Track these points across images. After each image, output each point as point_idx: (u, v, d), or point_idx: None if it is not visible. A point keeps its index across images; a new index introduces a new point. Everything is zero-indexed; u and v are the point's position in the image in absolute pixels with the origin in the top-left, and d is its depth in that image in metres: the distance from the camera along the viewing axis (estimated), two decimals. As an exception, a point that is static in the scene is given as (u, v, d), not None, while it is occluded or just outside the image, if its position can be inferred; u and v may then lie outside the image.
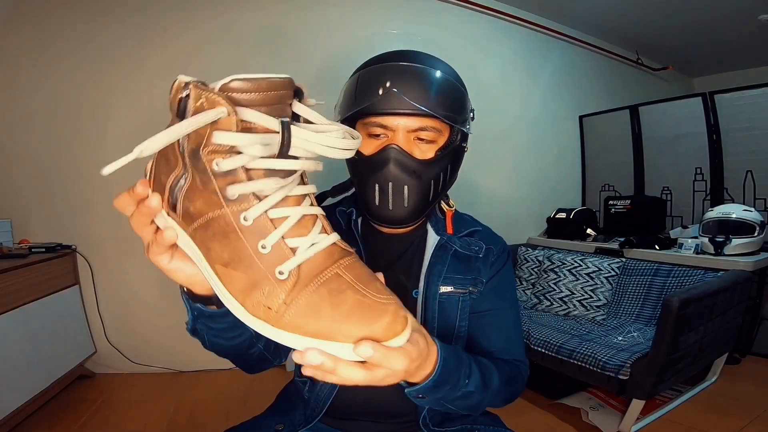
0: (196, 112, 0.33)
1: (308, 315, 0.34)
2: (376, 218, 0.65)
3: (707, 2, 2.80)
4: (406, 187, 0.62)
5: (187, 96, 0.34)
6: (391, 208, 0.62)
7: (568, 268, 2.34)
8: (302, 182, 0.39)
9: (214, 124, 0.32)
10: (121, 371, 2.11)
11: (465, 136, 0.68)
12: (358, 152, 0.63)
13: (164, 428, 1.69)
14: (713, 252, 2.13)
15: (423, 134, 0.63)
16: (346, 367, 0.35)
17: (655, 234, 2.54)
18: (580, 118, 3.32)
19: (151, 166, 0.40)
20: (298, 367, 0.75)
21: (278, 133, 0.34)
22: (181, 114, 0.34)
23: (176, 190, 0.37)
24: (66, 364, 1.87)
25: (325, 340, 0.34)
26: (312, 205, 0.39)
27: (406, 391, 0.49)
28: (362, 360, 0.35)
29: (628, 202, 2.75)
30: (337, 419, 0.71)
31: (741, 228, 2.13)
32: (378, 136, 0.63)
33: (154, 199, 0.38)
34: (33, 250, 1.80)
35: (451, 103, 0.63)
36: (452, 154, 0.66)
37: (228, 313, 0.47)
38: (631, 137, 3.01)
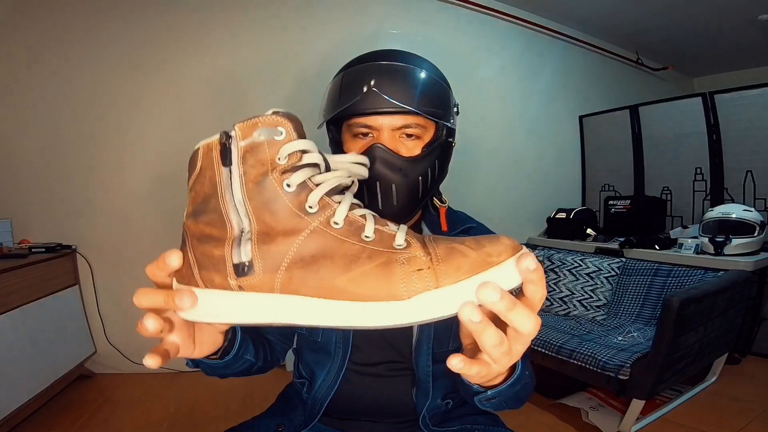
0: (249, 149, 0.34)
1: (453, 257, 0.32)
2: None
3: (707, 2, 2.80)
4: (393, 186, 0.61)
5: (227, 145, 0.35)
6: (380, 207, 0.62)
7: (568, 268, 2.34)
8: None
9: (276, 143, 0.35)
10: (121, 371, 2.11)
11: (451, 132, 0.68)
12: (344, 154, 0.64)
13: (164, 428, 1.69)
14: (713, 252, 2.13)
15: (408, 131, 0.63)
16: (520, 309, 0.31)
17: (655, 234, 2.54)
18: (580, 118, 3.32)
19: (186, 262, 0.38)
20: (298, 367, 0.75)
21: (318, 153, 0.37)
22: (227, 162, 0.35)
23: (243, 249, 0.35)
24: (66, 364, 1.87)
25: (486, 270, 0.32)
26: None
27: (480, 397, 0.46)
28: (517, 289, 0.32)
29: (628, 202, 2.75)
30: (337, 419, 0.71)
31: (741, 228, 2.13)
32: (365, 135, 0.63)
33: (187, 300, 0.35)
34: (33, 250, 1.80)
35: (433, 99, 0.63)
36: (439, 150, 0.66)
37: (230, 351, 0.50)
38: (631, 137, 3.01)
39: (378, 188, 0.61)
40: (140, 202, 2.11)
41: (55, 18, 1.96)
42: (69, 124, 2.01)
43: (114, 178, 2.08)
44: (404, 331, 0.67)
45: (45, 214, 2.01)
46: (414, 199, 0.64)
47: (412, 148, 0.63)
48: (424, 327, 0.65)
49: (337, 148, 0.66)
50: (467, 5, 2.73)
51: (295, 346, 0.77)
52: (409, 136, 0.63)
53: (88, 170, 2.05)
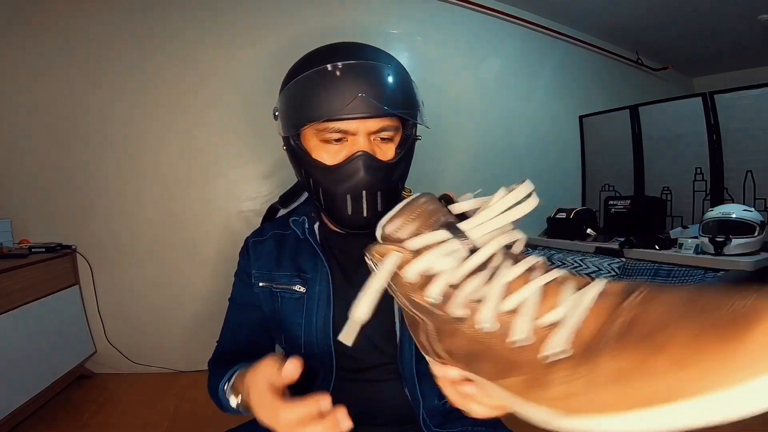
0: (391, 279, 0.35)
1: (617, 384, 0.24)
2: (349, 227, 0.64)
3: (707, 2, 2.80)
4: (379, 193, 0.60)
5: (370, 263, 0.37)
6: (365, 215, 0.61)
7: (568, 268, 2.31)
8: (515, 259, 0.34)
9: (399, 270, 0.34)
10: (121, 371, 2.11)
11: (415, 127, 0.67)
12: (317, 161, 0.61)
13: (164, 428, 1.69)
14: (713, 252, 2.13)
15: (383, 134, 0.61)
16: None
17: (655, 234, 2.54)
18: (580, 118, 3.31)
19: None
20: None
21: (452, 239, 0.33)
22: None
23: (431, 342, 0.37)
24: (66, 364, 1.87)
25: (661, 405, 0.22)
26: (549, 270, 0.32)
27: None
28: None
29: (628, 202, 2.74)
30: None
31: (741, 228, 2.13)
32: (338, 140, 0.60)
33: None
34: (33, 250, 1.81)
35: (410, 99, 0.62)
36: (409, 148, 0.65)
37: None
38: (631, 137, 3.01)
39: (364, 197, 0.60)
40: (140, 202, 2.11)
41: (55, 19, 1.96)
42: (69, 125, 2.01)
43: (114, 178, 2.08)
44: (389, 333, 0.66)
45: (45, 214, 2.01)
46: (395, 200, 0.63)
47: (386, 151, 0.62)
48: (406, 325, 0.65)
49: (299, 155, 0.62)
50: (467, 5, 2.73)
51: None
52: (383, 139, 0.62)
53: (88, 170, 2.05)
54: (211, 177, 2.21)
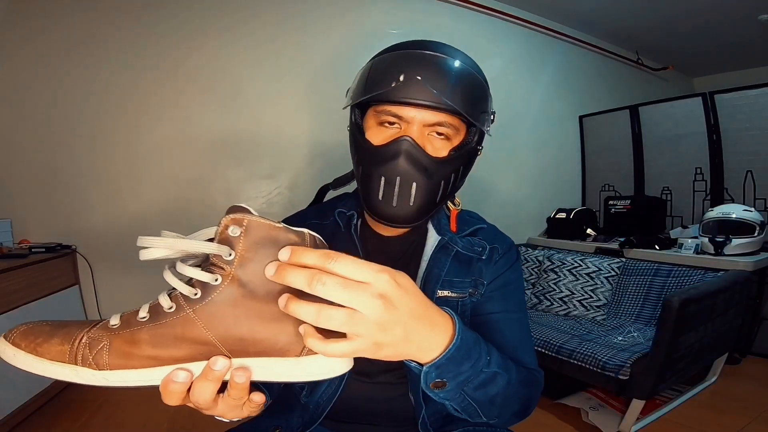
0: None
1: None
2: (376, 214, 0.61)
3: (707, 2, 2.80)
4: (414, 184, 0.58)
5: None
6: (395, 204, 0.58)
7: (568, 268, 2.34)
8: None
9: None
10: (121, 371, 2.10)
11: (481, 138, 0.64)
12: (366, 141, 0.61)
13: (164, 428, 1.69)
14: (713, 252, 2.14)
15: (440, 130, 0.59)
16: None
17: (655, 234, 2.54)
18: (580, 118, 3.32)
19: None
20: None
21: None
22: None
23: None
24: (66, 364, 1.87)
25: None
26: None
27: (423, 373, 0.43)
28: None
29: (628, 202, 2.75)
30: (336, 422, 0.70)
31: (741, 228, 2.13)
32: (391, 125, 0.59)
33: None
34: (33, 250, 1.80)
35: (476, 102, 0.59)
36: (466, 155, 0.62)
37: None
38: (631, 137, 3.01)
39: (397, 184, 0.58)
40: (140, 202, 2.11)
41: (55, 17, 1.96)
42: (69, 124, 2.01)
43: (114, 178, 2.08)
44: None
45: (45, 214, 2.01)
46: (431, 202, 0.61)
47: (439, 149, 0.60)
48: None
49: (355, 132, 0.63)
50: (467, 5, 2.73)
51: None
52: (438, 134, 0.60)
53: (89, 170, 2.05)
54: (211, 177, 2.21)
